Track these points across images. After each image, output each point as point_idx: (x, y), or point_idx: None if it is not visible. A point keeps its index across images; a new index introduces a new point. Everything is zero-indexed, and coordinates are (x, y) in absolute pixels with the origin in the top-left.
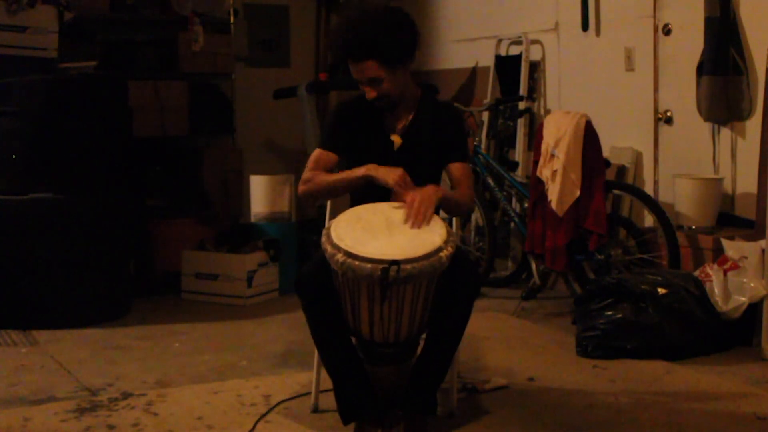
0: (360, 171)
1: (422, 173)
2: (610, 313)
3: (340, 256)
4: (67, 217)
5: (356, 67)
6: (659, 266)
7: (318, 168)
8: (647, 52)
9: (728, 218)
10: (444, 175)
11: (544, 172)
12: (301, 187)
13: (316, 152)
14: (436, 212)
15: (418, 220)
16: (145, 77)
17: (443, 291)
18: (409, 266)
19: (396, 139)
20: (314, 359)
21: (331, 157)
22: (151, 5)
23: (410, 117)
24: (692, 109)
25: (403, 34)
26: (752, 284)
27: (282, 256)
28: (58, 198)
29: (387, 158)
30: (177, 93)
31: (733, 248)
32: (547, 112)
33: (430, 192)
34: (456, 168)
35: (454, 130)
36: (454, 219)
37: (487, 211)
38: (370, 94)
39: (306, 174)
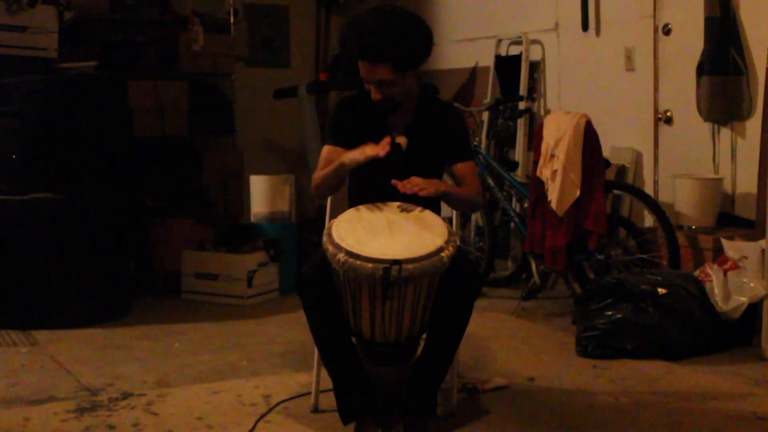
0: (336, 163)
1: (425, 172)
2: (610, 313)
3: (341, 256)
4: (67, 217)
5: (368, 67)
6: (659, 266)
7: (327, 165)
8: (647, 52)
9: (728, 218)
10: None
11: (544, 172)
12: (312, 186)
13: (324, 149)
14: (439, 209)
15: (407, 186)
16: (145, 77)
17: (444, 291)
18: (410, 266)
19: (402, 140)
20: (314, 359)
21: (339, 151)
22: (151, 5)
23: (412, 116)
24: (692, 109)
25: (419, 41)
26: (752, 284)
27: (282, 256)
28: (58, 198)
29: (392, 157)
30: (177, 93)
31: (733, 248)
32: (547, 112)
33: (434, 181)
34: (461, 167)
35: (457, 130)
36: (454, 219)
37: (487, 211)
38: (376, 95)
39: (314, 173)
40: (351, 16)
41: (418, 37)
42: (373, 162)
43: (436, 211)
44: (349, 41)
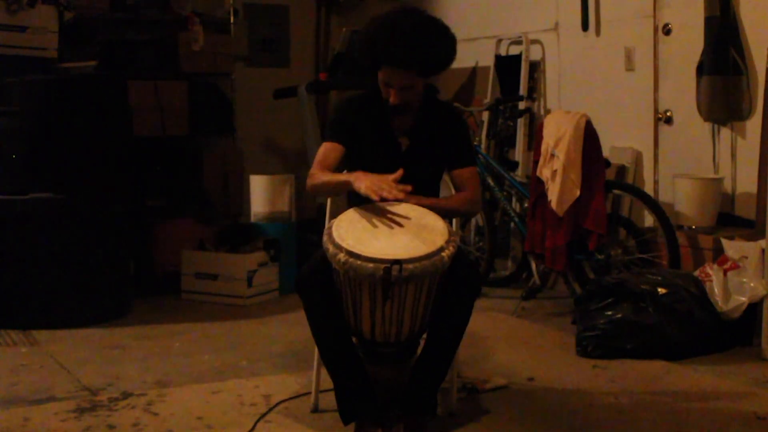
0: (343, 176)
1: (425, 174)
2: (610, 313)
3: (342, 256)
4: (67, 217)
5: (394, 72)
6: (659, 266)
7: (325, 161)
8: (647, 52)
9: (728, 218)
10: (446, 178)
11: (544, 172)
12: (307, 181)
13: (323, 146)
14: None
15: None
16: (145, 77)
17: (444, 291)
18: (411, 266)
19: (404, 141)
20: (314, 359)
21: (338, 148)
22: (151, 5)
23: (414, 118)
24: (692, 109)
25: (448, 49)
26: (752, 284)
27: (282, 256)
28: (58, 198)
29: (394, 159)
30: (177, 93)
31: (733, 248)
32: (547, 112)
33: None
34: (460, 173)
35: (459, 134)
36: (454, 219)
37: (487, 211)
38: (395, 99)
39: (312, 169)
40: (375, 18)
41: (447, 44)
42: (373, 163)
43: None
44: (378, 45)
